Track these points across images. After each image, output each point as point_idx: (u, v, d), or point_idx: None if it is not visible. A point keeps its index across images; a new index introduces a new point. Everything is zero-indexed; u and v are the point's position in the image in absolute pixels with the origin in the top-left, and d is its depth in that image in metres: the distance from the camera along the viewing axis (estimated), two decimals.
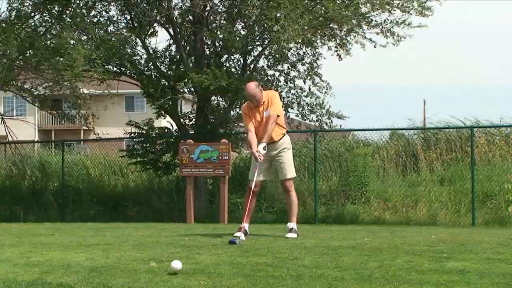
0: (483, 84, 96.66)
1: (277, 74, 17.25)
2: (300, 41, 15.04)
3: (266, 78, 17.15)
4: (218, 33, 16.61)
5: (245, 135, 9.62)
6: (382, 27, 15.88)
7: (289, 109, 17.05)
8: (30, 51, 16.94)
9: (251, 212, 9.78)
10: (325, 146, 17.11)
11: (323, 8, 15.18)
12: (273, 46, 15.85)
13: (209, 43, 17.06)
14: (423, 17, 15.63)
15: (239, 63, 17.19)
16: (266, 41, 16.47)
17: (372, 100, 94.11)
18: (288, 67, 17.16)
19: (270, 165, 9.64)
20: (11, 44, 15.93)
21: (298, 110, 17.12)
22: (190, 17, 17.03)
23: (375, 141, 17.48)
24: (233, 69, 17.01)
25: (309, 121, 17.38)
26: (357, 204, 15.82)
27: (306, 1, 15.38)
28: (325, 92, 16.92)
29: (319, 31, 15.90)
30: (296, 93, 17.15)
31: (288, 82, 17.16)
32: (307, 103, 17.07)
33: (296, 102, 17.12)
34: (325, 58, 17.07)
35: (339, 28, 16.11)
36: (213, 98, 17.28)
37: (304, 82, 17.05)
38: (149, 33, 17.50)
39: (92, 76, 16.38)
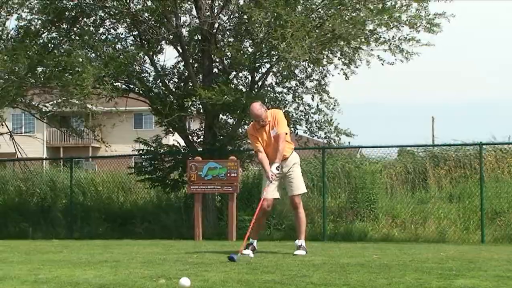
0: (492, 100, 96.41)
1: (285, 91, 17.29)
2: (307, 59, 15.02)
3: (274, 95, 17.11)
4: (226, 50, 16.64)
5: (256, 156, 9.64)
6: (390, 44, 15.86)
7: (297, 126, 17.08)
8: (39, 68, 17.00)
9: (261, 230, 9.85)
10: (333, 163, 17.06)
11: (330, 25, 15.20)
12: (280, 63, 15.91)
13: (217, 60, 17.10)
14: (431, 34, 15.60)
15: (247, 80, 17.22)
16: (274, 58, 16.51)
17: (379, 117, 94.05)
18: (296, 84, 17.17)
19: (280, 182, 9.66)
20: (21, 62, 16.02)
21: (306, 127, 17.14)
22: (198, 35, 17.08)
23: (383, 158, 17.52)
24: (241, 86, 17.04)
25: (317, 138, 17.35)
26: (366, 221, 15.79)
27: (312, 18, 15.41)
28: (333, 108, 16.92)
29: (326, 49, 15.90)
30: (304, 110, 17.16)
31: (296, 99, 17.16)
32: (315, 120, 17.08)
33: (304, 119, 17.13)
34: (332, 75, 17.06)
35: (346, 45, 16.11)
36: (221, 115, 17.29)
37: (312, 99, 17.10)
38: (157, 50, 17.56)
39: (100, 94, 16.40)
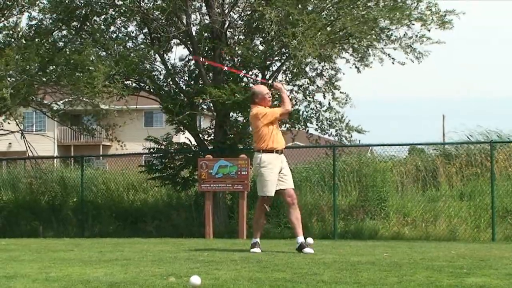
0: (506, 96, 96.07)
1: (295, 89, 17.29)
2: (317, 56, 15.03)
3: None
4: (237, 49, 16.68)
5: (288, 109, 9.83)
6: (401, 42, 15.85)
7: (308, 124, 17.08)
8: (50, 66, 17.05)
9: (262, 227, 10.15)
10: (344, 161, 17.06)
11: (341, 24, 15.18)
12: (290, 61, 15.91)
13: (227, 58, 17.10)
14: (443, 30, 15.54)
15: (257, 79, 17.08)
16: (285, 56, 16.51)
17: (390, 114, 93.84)
18: (306, 81, 17.16)
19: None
20: (33, 60, 16.07)
21: (317, 124, 17.12)
22: (209, 34, 17.09)
23: (394, 156, 17.47)
24: (251, 85, 17.00)
25: (328, 135, 17.36)
26: (376, 220, 15.78)
27: (323, 17, 15.40)
28: (345, 103, 16.90)
29: (337, 46, 15.88)
30: (315, 107, 17.17)
31: (307, 97, 17.16)
32: (326, 117, 17.07)
33: (315, 117, 17.12)
34: (343, 74, 17.01)
35: (358, 43, 16.10)
36: (231, 113, 17.30)
37: (324, 96, 17.09)
38: (167, 48, 17.59)
39: (111, 92, 16.44)
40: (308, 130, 17.33)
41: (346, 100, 16.96)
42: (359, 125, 16.83)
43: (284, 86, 9.83)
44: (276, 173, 9.61)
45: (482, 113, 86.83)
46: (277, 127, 9.84)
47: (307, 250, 9.46)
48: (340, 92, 17.00)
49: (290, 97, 16.80)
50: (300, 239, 9.61)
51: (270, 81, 9.64)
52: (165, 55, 17.58)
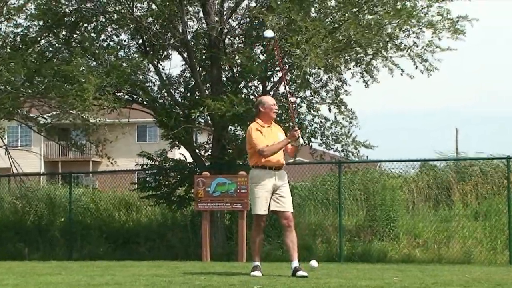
0: None
1: (298, 101, 17.33)
2: (323, 66, 15.04)
3: (287, 105, 17.10)
4: (236, 58, 16.71)
5: (262, 152, 9.60)
6: (410, 51, 15.78)
7: (312, 139, 17.11)
8: (37, 77, 17.04)
9: (261, 248, 10.02)
10: (351, 179, 17.07)
11: (345, 30, 15.16)
12: (294, 71, 15.90)
13: (226, 68, 17.17)
14: (455, 39, 15.41)
15: (258, 90, 17.28)
16: (287, 66, 16.52)
17: (399, 126, 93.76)
18: (310, 93, 17.23)
19: (272, 196, 9.67)
20: (18, 72, 16.07)
21: (321, 139, 17.16)
22: (206, 41, 17.16)
23: (404, 172, 17.52)
24: (251, 96, 17.04)
25: (334, 151, 17.38)
26: (385, 241, 15.75)
27: (327, 23, 15.39)
28: (350, 122, 17.01)
29: (343, 55, 15.88)
30: (320, 122, 17.22)
31: (311, 110, 17.20)
32: (331, 132, 17.12)
33: (319, 132, 17.18)
34: (349, 85, 17.16)
35: (363, 52, 16.11)
36: (230, 127, 17.31)
37: (330, 110, 17.11)
38: (162, 58, 17.68)
39: (102, 105, 16.45)
40: (311, 146, 17.34)
41: (351, 118, 17.04)
42: (367, 140, 16.86)
43: (300, 141, 9.71)
44: (267, 190, 9.56)
45: (496, 120, 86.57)
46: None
47: (300, 273, 9.38)
48: (346, 109, 17.07)
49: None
50: (295, 263, 9.56)
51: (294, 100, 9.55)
52: (159, 64, 17.67)
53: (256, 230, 9.77)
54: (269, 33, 10.50)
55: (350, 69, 16.70)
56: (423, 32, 15.57)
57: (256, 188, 9.61)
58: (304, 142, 10.30)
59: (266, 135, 9.63)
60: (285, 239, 9.74)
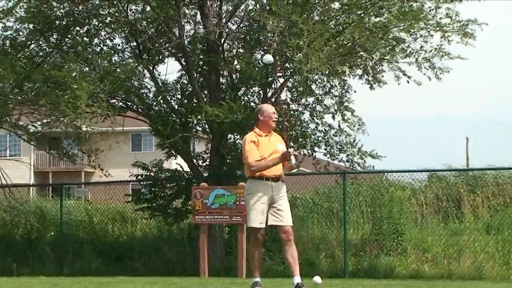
0: None
1: (301, 108, 17.38)
2: (325, 71, 15.02)
3: (289, 113, 17.06)
4: (235, 63, 16.71)
5: (251, 168, 9.56)
6: (418, 56, 15.71)
7: (316, 148, 17.10)
8: (27, 83, 16.99)
9: (261, 263, 9.95)
10: (356, 190, 17.06)
11: (349, 34, 15.11)
12: (295, 77, 15.88)
13: (225, 74, 17.18)
14: (465, 44, 15.33)
15: (259, 96, 17.26)
16: (289, 71, 16.49)
17: (406, 134, 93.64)
18: (313, 100, 17.24)
19: (269, 209, 9.66)
20: (7, 77, 16.03)
21: (325, 149, 17.17)
22: (204, 45, 17.19)
23: (412, 183, 17.44)
24: (252, 103, 17.02)
25: (338, 161, 17.39)
26: (392, 256, 15.67)
27: (330, 27, 15.34)
28: (358, 129, 17.03)
29: (347, 60, 15.85)
30: (324, 130, 17.23)
31: (315, 118, 17.20)
32: (336, 141, 17.13)
33: (323, 141, 17.17)
34: (355, 91, 17.23)
35: (369, 56, 16.08)
36: (229, 135, 17.32)
37: (333, 118, 17.13)
38: (158, 63, 17.71)
39: (95, 112, 16.41)
40: (315, 156, 17.34)
41: (359, 125, 17.08)
42: (373, 150, 16.85)
43: (292, 161, 9.71)
44: (264, 202, 9.54)
45: (506, 122, 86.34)
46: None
47: None
48: (353, 115, 17.08)
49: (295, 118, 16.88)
50: (297, 279, 9.52)
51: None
52: (155, 70, 17.70)
53: (254, 244, 9.74)
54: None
55: (356, 75, 16.80)
56: (431, 35, 15.51)
57: (251, 200, 9.59)
58: (296, 164, 10.16)
59: (263, 145, 9.62)
60: (285, 254, 9.69)
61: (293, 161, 9.64)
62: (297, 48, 14.31)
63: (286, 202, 9.71)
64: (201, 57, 17.31)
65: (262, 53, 16.95)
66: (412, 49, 15.82)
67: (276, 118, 9.81)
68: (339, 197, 16.61)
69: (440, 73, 15.77)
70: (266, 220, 9.57)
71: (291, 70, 16.05)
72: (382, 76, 16.72)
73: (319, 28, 14.41)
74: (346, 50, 15.44)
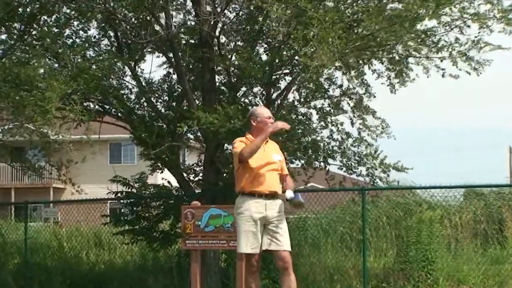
0: None
1: (314, 112, 17.41)
2: (334, 66, 15.16)
3: (297, 118, 17.17)
4: (233, 58, 16.75)
5: (242, 156, 9.71)
6: (452, 50, 15.66)
7: (329, 160, 17.17)
8: None
9: None
10: (377, 210, 17.11)
11: (368, 25, 15.01)
12: (304, 74, 15.83)
13: (221, 72, 17.29)
14: (508, 33, 15.25)
15: (261, 98, 17.32)
16: (297, 68, 16.53)
17: (440, 147, 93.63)
18: (329, 103, 17.30)
19: (263, 230, 9.76)
20: None
21: (341, 161, 17.20)
22: (196, 38, 17.21)
23: (444, 202, 17.45)
24: (253, 107, 16.97)
25: (357, 175, 17.41)
26: (421, 287, 15.65)
27: (346, 16, 15.13)
28: (381, 132, 17.08)
29: (363, 55, 15.87)
30: (340, 138, 17.30)
31: (329, 124, 17.26)
32: (354, 152, 17.20)
33: (339, 151, 17.24)
34: (374, 96, 17.24)
35: (392, 50, 16.05)
36: (226, 145, 17.23)
37: (352, 124, 17.20)
38: (141, 59, 17.76)
39: (66, 117, 16.42)
40: (328, 170, 17.42)
41: (382, 128, 17.11)
42: (398, 161, 16.81)
43: (287, 194, 9.91)
44: (256, 223, 9.66)
45: None
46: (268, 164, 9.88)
47: None
48: (374, 117, 17.12)
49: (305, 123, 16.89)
50: None
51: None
52: (137, 67, 17.72)
53: (248, 272, 9.86)
54: (290, 195, 10.14)
55: (374, 71, 16.81)
56: (468, 26, 15.44)
57: (241, 220, 9.74)
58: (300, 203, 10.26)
59: (257, 155, 9.74)
60: (282, 285, 9.75)
61: (288, 195, 9.77)
62: (303, 40, 14.22)
63: (284, 223, 9.81)
64: (193, 51, 17.21)
65: (266, 46, 17.08)
66: (445, 41, 15.75)
67: (272, 124, 9.92)
68: (357, 218, 16.63)
69: (479, 67, 15.64)
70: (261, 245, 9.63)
71: (299, 66, 15.98)
72: (409, 71, 16.66)
73: (331, 17, 14.32)
74: (365, 43, 15.38)
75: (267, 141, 9.89)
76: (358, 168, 17.22)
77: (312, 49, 14.20)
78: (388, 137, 17.15)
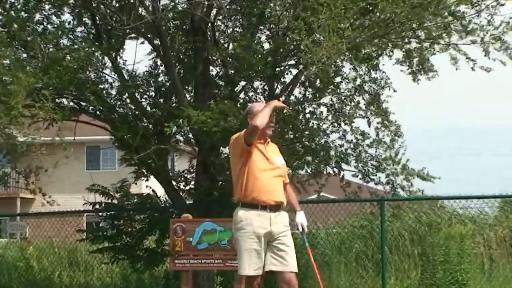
0: None
1: (323, 110, 17.37)
2: (348, 56, 15.16)
3: (304, 117, 17.20)
4: (230, 47, 16.80)
5: (255, 123, 9.40)
6: (484, 35, 15.53)
7: (343, 165, 17.17)
8: None
9: None
10: (398, 222, 17.15)
11: (387, 9, 14.86)
12: (312, 67, 15.74)
13: (216, 63, 17.32)
14: None
15: (263, 94, 17.36)
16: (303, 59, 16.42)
17: (470, 149, 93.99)
18: (340, 99, 17.34)
19: (266, 247, 9.64)
20: None
21: (356, 166, 17.21)
22: (187, 24, 17.26)
23: (477, 215, 17.48)
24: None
25: (375, 183, 17.42)
26: None
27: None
28: (399, 135, 17.17)
29: (383, 43, 15.67)
30: (355, 139, 17.32)
31: (342, 123, 17.28)
32: (371, 155, 17.22)
33: (353, 155, 17.24)
34: (395, 90, 17.24)
35: (413, 35, 15.86)
36: (221, 148, 17.33)
37: (369, 124, 17.26)
38: (122, 48, 17.73)
39: (36, 115, 16.35)
40: (343, 176, 17.39)
41: (395, 134, 17.26)
42: (424, 168, 16.80)
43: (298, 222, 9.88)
44: (260, 240, 9.51)
45: None
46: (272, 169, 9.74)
47: None
48: (387, 120, 17.24)
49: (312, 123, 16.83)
50: None
51: None
52: (118, 58, 17.71)
53: None
54: (302, 219, 10.08)
55: (391, 57, 16.79)
56: (502, 4, 15.31)
57: (241, 237, 9.54)
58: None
59: (257, 157, 9.62)
60: None
61: (300, 223, 9.77)
62: (307, 30, 13.90)
63: (289, 239, 9.65)
64: (183, 39, 17.33)
65: (268, 33, 17.12)
66: (475, 23, 15.58)
67: (273, 123, 9.77)
68: (376, 232, 16.64)
69: None
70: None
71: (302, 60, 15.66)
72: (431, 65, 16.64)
73: (342, 2, 14.13)
74: (382, 30, 15.16)
75: (268, 141, 9.74)
76: (376, 175, 17.26)
77: (316, 40, 13.99)
78: (400, 146, 17.27)
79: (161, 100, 17.79)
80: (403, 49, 16.44)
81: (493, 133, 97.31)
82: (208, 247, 14.92)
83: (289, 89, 17.14)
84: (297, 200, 10.09)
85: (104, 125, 18.04)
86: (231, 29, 17.68)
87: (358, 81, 17.33)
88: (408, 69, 16.74)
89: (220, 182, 17.18)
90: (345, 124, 17.37)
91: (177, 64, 17.52)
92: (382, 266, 15.64)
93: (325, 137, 17.27)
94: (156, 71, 18.07)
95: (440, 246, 16.33)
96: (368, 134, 17.32)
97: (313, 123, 17.17)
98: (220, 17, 17.48)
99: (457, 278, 15.94)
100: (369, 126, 17.27)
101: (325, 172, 17.21)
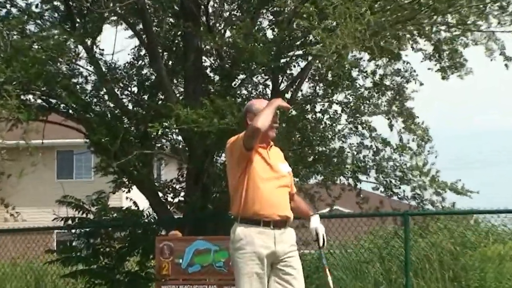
0: None
1: (338, 109, 17.28)
2: (357, 51, 15.26)
3: (313, 117, 17.21)
4: (226, 35, 16.64)
5: (255, 125, 8.99)
6: None
7: (360, 176, 17.15)
8: None
9: None
10: (426, 240, 16.94)
11: None
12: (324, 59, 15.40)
13: (211, 53, 17.19)
14: None
15: (266, 89, 17.32)
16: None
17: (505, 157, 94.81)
18: (357, 97, 17.24)
19: (270, 270, 9.30)
20: None
21: (377, 177, 17.16)
22: (177, 7, 17.11)
23: None
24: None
25: (399, 197, 17.38)
26: None
27: None
28: (424, 140, 17.07)
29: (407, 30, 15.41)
30: (374, 146, 17.23)
31: (359, 126, 17.22)
32: (394, 165, 17.13)
33: (373, 164, 17.12)
34: (422, 84, 17.04)
35: (443, 23, 15.47)
36: (216, 153, 17.19)
37: (391, 128, 17.19)
38: (99, 35, 17.58)
39: None
40: (360, 189, 17.28)
41: (422, 139, 17.13)
42: (458, 181, 16.66)
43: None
44: (262, 262, 9.16)
45: None
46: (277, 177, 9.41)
47: None
48: (414, 123, 17.10)
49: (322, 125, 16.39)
50: None
51: None
52: (95, 47, 17.70)
53: None
54: (317, 224, 9.85)
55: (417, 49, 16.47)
56: None
57: (241, 259, 9.13)
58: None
59: (258, 161, 9.26)
60: None
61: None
62: (311, 19, 13.59)
63: (297, 260, 9.33)
64: (172, 25, 17.27)
65: (272, 18, 16.95)
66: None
67: (276, 123, 9.39)
68: (398, 252, 16.45)
69: None
70: None
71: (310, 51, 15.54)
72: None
73: None
74: (408, 14, 14.73)
75: (271, 145, 9.44)
76: (400, 188, 17.22)
77: (328, 27, 13.76)
78: (428, 153, 17.22)
79: (145, 97, 17.71)
80: (432, 41, 16.14)
81: None
82: (201, 270, 14.80)
83: (296, 84, 16.99)
84: (308, 206, 9.84)
85: (77, 126, 17.84)
86: (227, 13, 17.62)
87: (378, 75, 17.25)
88: (435, 64, 16.50)
89: (215, 194, 17.02)
90: (363, 128, 17.38)
91: (164, 54, 17.57)
92: None
93: (340, 141, 17.35)
94: (139, 63, 18.01)
95: (475, 269, 16.25)
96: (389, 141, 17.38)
97: (325, 123, 17.18)
98: (216, 2, 17.40)
99: None
100: (391, 130, 17.32)
101: (338, 182, 17.13)
